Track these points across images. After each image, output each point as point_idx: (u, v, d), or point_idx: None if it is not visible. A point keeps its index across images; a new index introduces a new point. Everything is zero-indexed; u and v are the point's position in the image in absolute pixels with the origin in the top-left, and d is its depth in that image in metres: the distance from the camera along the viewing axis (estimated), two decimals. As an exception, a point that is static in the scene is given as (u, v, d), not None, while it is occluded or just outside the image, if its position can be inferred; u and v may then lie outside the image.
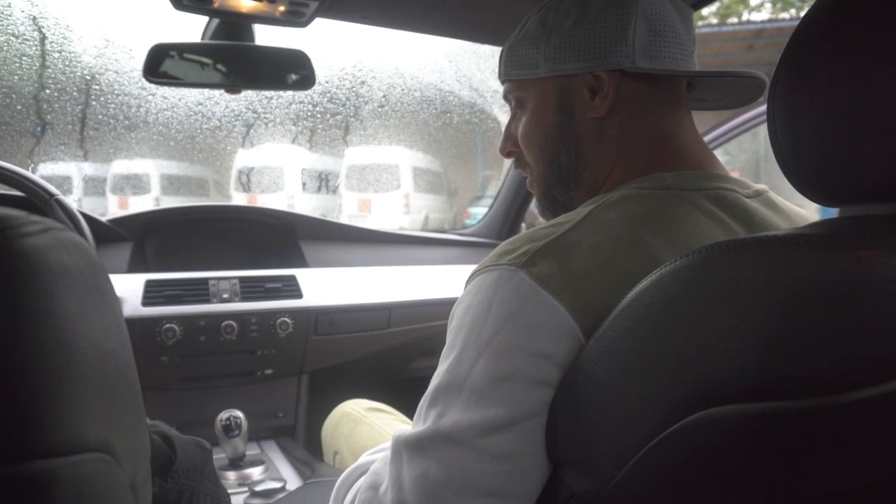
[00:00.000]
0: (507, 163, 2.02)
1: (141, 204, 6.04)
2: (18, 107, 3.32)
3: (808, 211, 0.68)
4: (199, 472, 0.80)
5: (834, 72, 0.39)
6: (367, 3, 1.04)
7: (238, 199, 6.61)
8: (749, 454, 0.36)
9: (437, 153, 7.53)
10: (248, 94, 3.75)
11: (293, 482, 1.29)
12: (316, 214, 1.87)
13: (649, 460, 0.40)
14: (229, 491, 1.02)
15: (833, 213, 0.45)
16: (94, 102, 3.54)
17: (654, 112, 0.64)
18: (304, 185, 6.90)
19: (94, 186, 5.95)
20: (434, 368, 0.56)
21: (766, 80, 0.65)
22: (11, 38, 2.52)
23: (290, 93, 3.49)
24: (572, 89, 0.65)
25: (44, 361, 0.33)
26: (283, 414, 1.57)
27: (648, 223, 0.53)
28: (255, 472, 1.31)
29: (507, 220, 1.94)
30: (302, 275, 1.59)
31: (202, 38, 1.11)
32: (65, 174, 5.36)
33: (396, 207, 7.10)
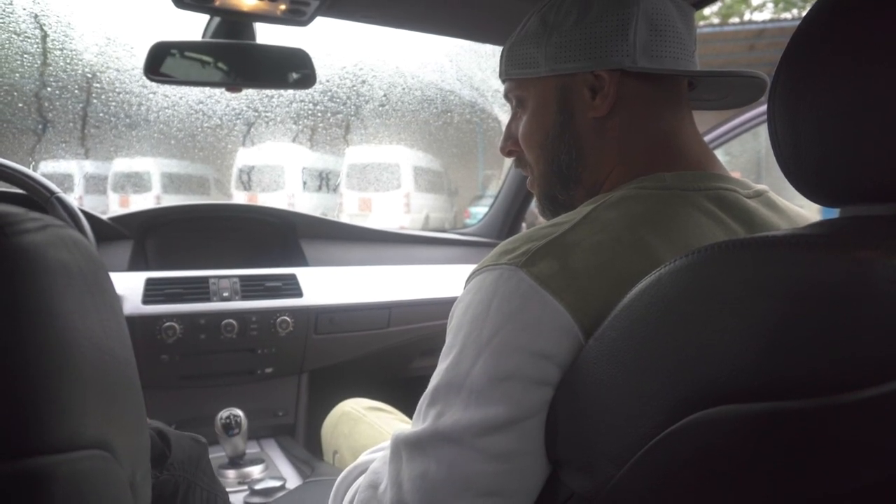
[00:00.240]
0: (508, 162, 2.02)
1: (142, 202, 6.05)
2: (20, 104, 3.33)
3: (808, 211, 0.68)
4: (195, 465, 0.80)
5: (835, 72, 0.39)
6: (368, 2, 1.04)
7: (239, 197, 6.62)
8: (749, 454, 0.36)
9: (438, 152, 7.54)
10: (249, 93, 3.75)
11: (293, 481, 1.29)
12: (316, 213, 1.87)
13: (649, 460, 0.40)
14: (229, 489, 1.02)
15: (833, 213, 0.45)
16: (95, 100, 3.55)
17: (655, 112, 0.64)
18: (304, 183, 6.90)
19: (96, 184, 5.96)
20: (434, 368, 0.56)
21: (766, 80, 0.65)
22: (13, 35, 2.52)
23: (290, 92, 3.49)
24: (573, 88, 0.65)
25: (43, 359, 0.33)
26: (283, 413, 1.58)
27: (649, 223, 0.53)
28: (255, 471, 1.31)
29: (508, 219, 1.94)
30: (302, 274, 1.59)
31: (203, 37, 1.11)
32: (66, 172, 5.38)
33: (397, 207, 7.10)
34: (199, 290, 1.45)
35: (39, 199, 1.31)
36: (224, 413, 1.27)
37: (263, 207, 1.76)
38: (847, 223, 0.40)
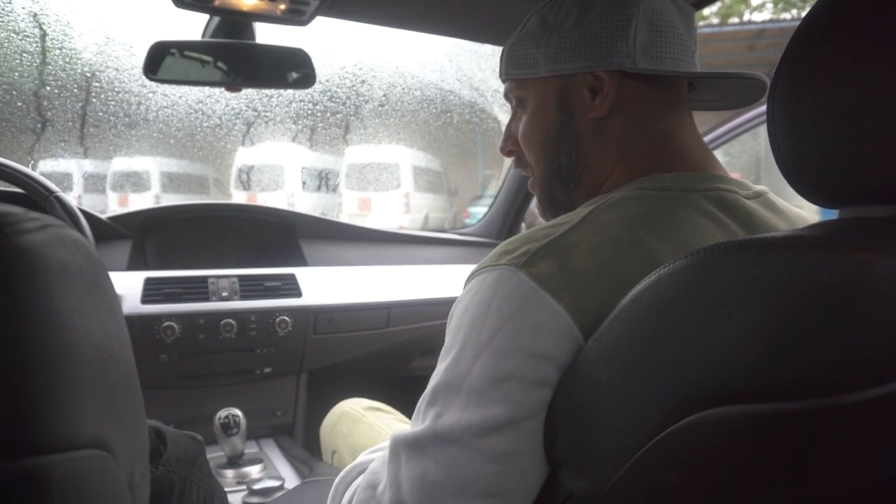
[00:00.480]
0: (508, 162, 2.02)
1: (141, 201, 6.04)
2: (19, 103, 3.32)
3: (807, 212, 0.68)
4: (191, 463, 0.80)
5: (834, 73, 0.39)
6: (367, 2, 1.04)
7: (238, 197, 6.61)
8: (748, 455, 0.36)
9: (438, 152, 7.53)
10: (249, 93, 3.75)
11: (291, 481, 1.29)
12: (316, 213, 1.87)
13: (648, 461, 0.40)
14: (227, 489, 1.02)
15: (832, 214, 0.45)
16: (94, 99, 3.54)
17: (655, 113, 0.64)
18: (304, 183, 6.90)
19: (95, 183, 5.95)
20: (433, 368, 0.56)
21: (766, 82, 0.65)
22: (12, 34, 2.52)
23: (290, 91, 3.49)
24: (573, 89, 0.65)
25: (42, 358, 0.33)
26: (282, 412, 1.57)
27: (648, 224, 0.53)
28: (254, 471, 1.31)
29: (507, 219, 1.94)
30: (301, 273, 1.59)
31: (203, 36, 1.11)
32: (65, 171, 5.37)
33: (396, 206, 7.10)
34: (198, 289, 1.45)
35: (38, 198, 1.30)
36: (223, 413, 1.27)
37: (263, 207, 1.76)
38: (846, 224, 0.40)
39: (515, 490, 0.50)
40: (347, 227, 1.87)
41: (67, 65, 2.90)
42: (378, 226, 1.92)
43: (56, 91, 3.37)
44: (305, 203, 6.94)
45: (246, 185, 6.75)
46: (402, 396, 1.36)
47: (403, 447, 0.54)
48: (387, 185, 7.13)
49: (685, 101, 0.67)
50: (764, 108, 0.46)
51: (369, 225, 1.91)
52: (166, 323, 1.36)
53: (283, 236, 1.74)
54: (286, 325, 1.48)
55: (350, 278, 1.66)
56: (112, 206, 6.09)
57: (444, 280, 1.76)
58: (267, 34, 1.11)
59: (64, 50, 2.77)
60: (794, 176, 0.43)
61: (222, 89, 1.18)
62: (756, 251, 0.37)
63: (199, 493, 0.80)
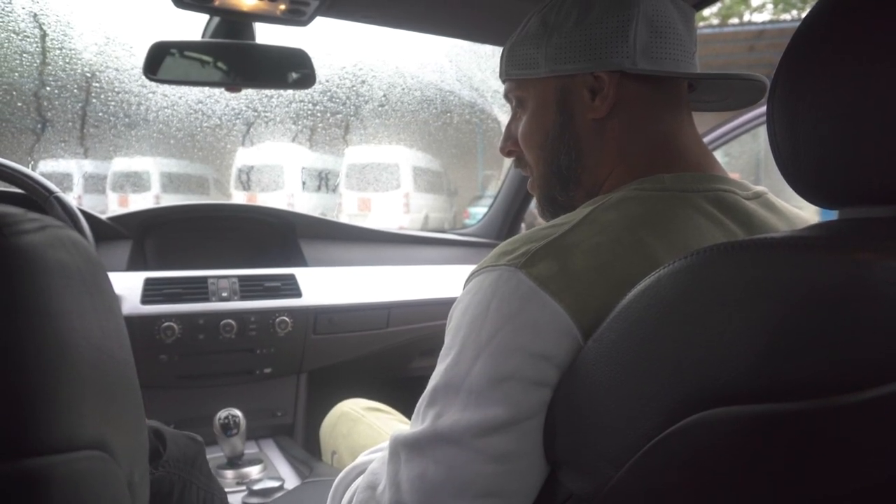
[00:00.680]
0: (507, 163, 2.02)
1: (141, 202, 6.04)
2: (19, 104, 3.32)
3: (807, 213, 0.68)
4: (191, 463, 0.80)
5: (834, 73, 0.39)
6: (367, 3, 1.04)
7: (238, 197, 6.61)
8: (748, 456, 0.36)
9: (438, 153, 7.53)
10: (249, 93, 3.75)
11: (291, 481, 1.29)
12: (316, 213, 1.87)
13: (647, 461, 0.40)
14: (227, 490, 1.02)
15: (832, 215, 0.45)
16: (94, 100, 3.54)
17: (655, 113, 0.64)
18: (304, 183, 6.90)
19: (95, 184, 5.95)
20: (433, 368, 0.56)
21: (766, 82, 0.65)
22: (12, 34, 2.52)
23: (290, 92, 3.49)
24: (572, 90, 0.65)
25: (41, 359, 0.33)
26: (282, 413, 1.57)
27: (647, 224, 0.53)
28: (254, 471, 1.31)
29: (507, 220, 1.94)
30: (301, 274, 1.59)
31: (203, 37, 1.11)
32: (65, 171, 5.37)
33: (396, 207, 7.10)
34: (197, 290, 1.45)
35: (38, 198, 1.30)
36: (222, 413, 1.27)
37: (262, 207, 1.76)
38: (846, 225, 0.40)
39: (515, 490, 0.50)
40: (347, 228, 1.87)
41: (67, 65, 2.90)
42: (378, 226, 1.92)
43: (56, 91, 3.37)
44: (305, 203, 6.94)
45: (246, 185, 6.75)
46: (402, 397, 1.36)
47: (403, 447, 0.53)
48: (387, 185, 7.13)
49: (685, 101, 0.67)
50: (764, 108, 0.46)
51: (369, 225, 1.91)
52: (166, 323, 1.36)
53: (282, 236, 1.74)
54: (286, 326, 1.48)
55: (350, 278, 1.66)
56: (112, 206, 6.09)
57: (444, 280, 1.76)
58: (267, 34, 1.11)
59: (64, 50, 2.77)
60: (793, 176, 0.43)
61: (222, 90, 1.18)
62: (756, 252, 0.37)
63: (198, 493, 0.79)
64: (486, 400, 0.49)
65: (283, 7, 1.00)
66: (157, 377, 1.40)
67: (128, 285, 1.40)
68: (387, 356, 1.72)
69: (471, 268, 0.57)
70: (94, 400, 0.36)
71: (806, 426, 0.34)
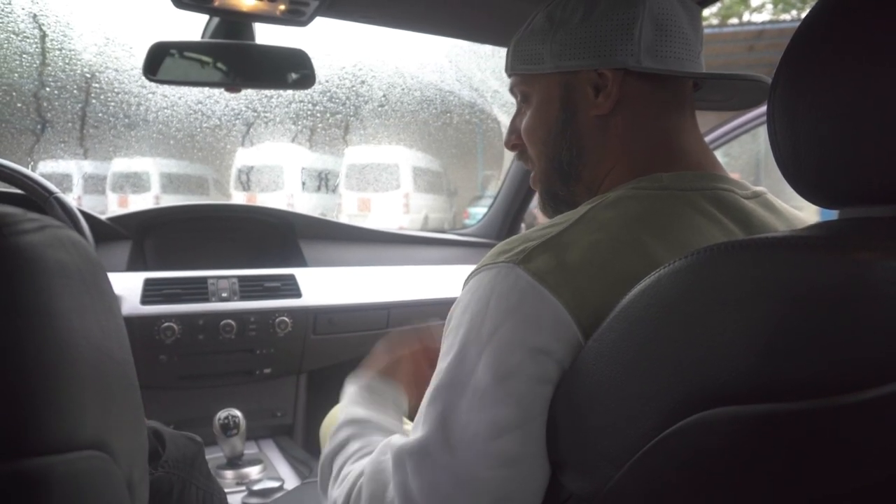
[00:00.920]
0: (507, 163, 2.02)
1: (141, 202, 6.04)
2: (18, 104, 3.32)
3: (806, 213, 0.68)
4: (190, 464, 0.79)
5: (834, 73, 0.39)
6: (367, 3, 1.04)
7: (238, 197, 6.61)
8: (748, 456, 0.35)
9: (437, 153, 7.53)
10: (248, 93, 3.75)
11: (291, 481, 1.29)
12: (315, 214, 1.87)
13: (648, 461, 0.40)
14: (227, 490, 1.02)
15: (832, 215, 0.45)
16: (94, 100, 3.54)
17: (657, 112, 0.65)
18: (303, 184, 6.90)
19: (94, 184, 5.95)
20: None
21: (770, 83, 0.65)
22: (12, 35, 2.52)
23: (289, 92, 3.49)
24: (576, 86, 0.65)
25: (40, 359, 0.33)
26: (282, 413, 1.57)
27: (645, 223, 0.53)
28: (253, 472, 1.31)
29: (507, 220, 1.94)
30: (301, 274, 1.59)
31: (202, 37, 1.11)
32: (65, 172, 5.37)
33: (396, 207, 7.10)
34: (197, 290, 1.45)
35: (38, 199, 1.30)
36: (222, 413, 1.27)
37: (262, 208, 1.76)
38: (846, 225, 0.40)
39: (524, 494, 0.50)
40: (347, 228, 1.87)
41: (67, 66, 2.90)
42: (378, 226, 1.92)
43: (56, 92, 3.37)
44: (305, 203, 6.94)
45: (246, 185, 6.75)
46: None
47: (409, 456, 0.52)
48: (386, 185, 7.14)
49: (689, 101, 0.67)
50: (764, 108, 0.46)
51: (369, 225, 1.91)
52: (166, 324, 1.36)
53: (282, 237, 1.74)
54: (286, 326, 1.47)
55: (350, 279, 1.66)
56: (112, 206, 6.09)
57: (444, 280, 1.76)
58: (266, 35, 1.11)
59: (63, 51, 2.77)
60: (793, 176, 0.43)
61: (222, 90, 1.18)
62: (756, 251, 0.37)
63: (197, 494, 0.79)
64: (492, 399, 0.49)
65: (282, 7, 1.00)
66: (157, 377, 1.40)
67: (127, 286, 1.40)
68: (386, 356, 1.71)
69: (470, 268, 0.57)
70: (93, 400, 0.36)
71: (806, 426, 0.34)
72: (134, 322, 1.34)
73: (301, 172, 6.85)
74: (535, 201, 1.91)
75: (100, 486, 0.37)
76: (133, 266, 1.53)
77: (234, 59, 1.12)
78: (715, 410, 0.36)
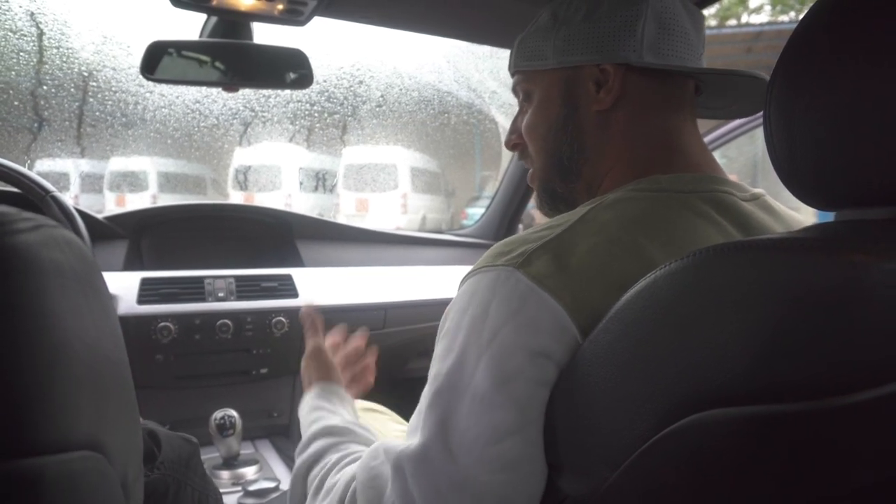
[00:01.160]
0: (505, 164, 2.02)
1: (138, 201, 6.03)
2: (15, 103, 3.31)
3: (803, 215, 0.68)
4: (185, 465, 0.79)
5: (831, 74, 0.39)
6: (366, 3, 1.04)
7: (235, 197, 6.60)
8: (744, 457, 0.35)
9: (435, 153, 7.53)
10: (246, 93, 3.74)
11: (287, 482, 1.28)
12: (313, 214, 1.87)
13: (643, 463, 0.40)
14: (222, 490, 1.01)
15: (829, 216, 0.45)
16: (91, 99, 3.54)
17: (658, 110, 0.65)
18: (301, 184, 6.89)
19: (91, 183, 5.94)
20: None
21: None
22: (9, 33, 2.51)
23: (287, 92, 3.48)
24: (578, 82, 0.66)
25: (35, 359, 0.33)
26: (278, 413, 1.57)
27: (644, 225, 0.53)
28: (249, 472, 1.31)
29: (505, 220, 1.94)
30: (298, 274, 1.59)
31: (200, 36, 1.11)
32: (62, 171, 5.35)
33: (394, 207, 7.10)
34: (194, 290, 1.44)
35: (34, 198, 1.30)
36: (218, 413, 1.27)
37: (260, 207, 1.75)
38: (843, 227, 0.40)
39: (523, 497, 0.50)
40: (344, 228, 1.86)
41: (64, 64, 2.89)
42: (375, 226, 1.91)
43: (53, 90, 3.36)
44: (303, 203, 6.93)
45: (243, 185, 6.75)
46: (398, 398, 1.35)
47: (409, 462, 0.52)
48: (384, 185, 7.13)
49: (690, 102, 0.67)
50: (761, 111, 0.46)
51: (366, 226, 1.91)
52: (162, 323, 1.36)
53: (279, 237, 1.73)
54: (282, 326, 1.47)
55: (347, 279, 1.66)
56: (109, 205, 6.07)
57: (442, 281, 1.76)
58: (265, 34, 1.11)
59: (61, 49, 2.76)
60: (790, 178, 0.43)
61: (220, 89, 1.18)
62: (753, 253, 0.37)
63: (193, 494, 0.79)
64: (492, 403, 0.49)
65: (280, 7, 1.00)
66: (153, 377, 1.39)
67: (124, 285, 1.40)
68: (383, 357, 1.71)
69: (468, 268, 0.57)
70: (88, 400, 0.36)
71: (802, 427, 0.34)
72: (130, 321, 1.34)
73: (299, 172, 6.84)
74: (532, 202, 1.91)
75: (94, 486, 0.36)
76: (130, 265, 1.53)
77: (232, 58, 1.12)
78: (711, 412, 0.36)
